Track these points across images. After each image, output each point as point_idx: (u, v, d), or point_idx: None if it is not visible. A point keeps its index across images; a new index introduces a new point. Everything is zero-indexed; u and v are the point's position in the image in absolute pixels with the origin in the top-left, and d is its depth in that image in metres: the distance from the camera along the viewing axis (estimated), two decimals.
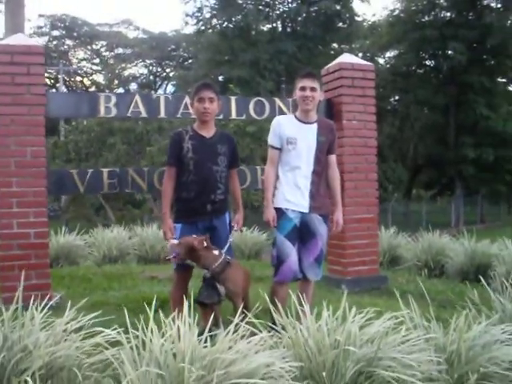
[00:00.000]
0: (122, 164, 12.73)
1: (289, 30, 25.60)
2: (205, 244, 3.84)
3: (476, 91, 29.54)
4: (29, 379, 2.11)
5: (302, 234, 4.16)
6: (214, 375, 2.04)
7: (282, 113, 6.07)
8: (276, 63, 23.33)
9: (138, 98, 5.56)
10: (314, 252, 4.19)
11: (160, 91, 40.61)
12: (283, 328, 2.75)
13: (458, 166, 29.83)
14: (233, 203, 4.43)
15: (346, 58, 6.46)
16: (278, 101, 6.15)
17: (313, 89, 4.11)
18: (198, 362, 2.08)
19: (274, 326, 2.94)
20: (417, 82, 31.52)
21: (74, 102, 5.43)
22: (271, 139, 4.23)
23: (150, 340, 2.34)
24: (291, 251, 4.08)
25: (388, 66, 33.46)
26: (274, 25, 26.41)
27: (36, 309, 2.54)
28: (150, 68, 41.47)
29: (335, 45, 27.44)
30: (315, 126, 4.18)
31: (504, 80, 34.06)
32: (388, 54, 36.20)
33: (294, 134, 4.14)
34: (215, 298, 3.89)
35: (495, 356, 2.70)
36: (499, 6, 31.05)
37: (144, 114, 5.63)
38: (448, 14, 31.45)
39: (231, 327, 2.42)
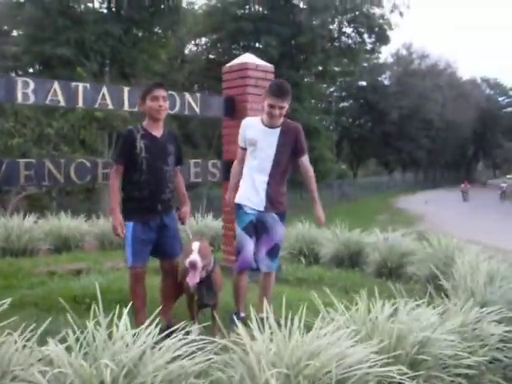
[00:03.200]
0: None
1: (113, 10, 24.89)
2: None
3: None
4: None
5: (257, 229, 4.45)
6: (333, 367, 2.26)
7: (190, 107, 6.21)
8: (102, 45, 22.61)
9: (56, 85, 5.27)
10: (265, 246, 4.49)
11: None
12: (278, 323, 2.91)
13: None
14: (180, 198, 4.47)
15: (249, 58, 6.73)
16: (187, 95, 6.23)
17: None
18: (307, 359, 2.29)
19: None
20: None
21: None
22: (239, 138, 4.52)
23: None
24: (247, 242, 4.37)
25: (202, 54, 34.07)
26: (98, 5, 25.59)
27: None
28: None
29: (160, 31, 27.23)
30: (278, 130, 4.43)
31: (305, 74, 36.82)
32: (201, 42, 36.90)
33: (255, 137, 4.39)
34: (214, 297, 3.97)
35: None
36: (305, 6, 33.48)
37: (62, 103, 5.39)
38: (261, 10, 33.10)
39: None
